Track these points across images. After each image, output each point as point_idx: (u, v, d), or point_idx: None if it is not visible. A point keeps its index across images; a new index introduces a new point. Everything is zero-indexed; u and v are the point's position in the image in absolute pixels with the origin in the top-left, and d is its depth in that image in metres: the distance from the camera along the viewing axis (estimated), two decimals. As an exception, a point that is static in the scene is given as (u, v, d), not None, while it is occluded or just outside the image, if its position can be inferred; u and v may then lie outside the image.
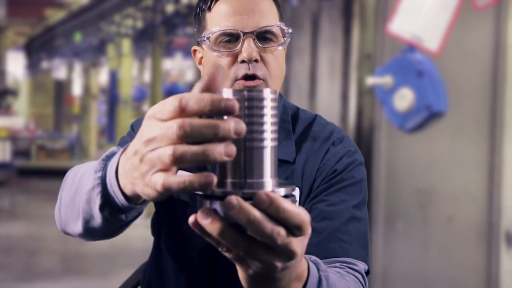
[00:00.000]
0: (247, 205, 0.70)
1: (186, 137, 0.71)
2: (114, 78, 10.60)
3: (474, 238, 3.23)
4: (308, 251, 1.23)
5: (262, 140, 0.75)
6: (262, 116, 0.75)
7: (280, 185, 0.76)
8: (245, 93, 0.75)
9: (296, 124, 1.40)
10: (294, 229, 0.73)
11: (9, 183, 10.04)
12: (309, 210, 1.29)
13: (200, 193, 0.76)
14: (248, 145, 0.75)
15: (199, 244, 1.35)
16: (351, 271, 1.18)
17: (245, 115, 0.74)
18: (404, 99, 3.16)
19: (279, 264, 0.75)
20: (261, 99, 0.75)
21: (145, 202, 0.90)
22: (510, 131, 3.07)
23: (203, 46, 1.33)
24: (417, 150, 3.40)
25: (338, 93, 3.83)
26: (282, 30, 1.31)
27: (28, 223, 7.67)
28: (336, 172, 1.32)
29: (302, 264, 0.84)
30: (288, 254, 0.75)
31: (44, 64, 14.86)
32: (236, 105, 0.72)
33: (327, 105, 3.91)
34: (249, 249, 0.73)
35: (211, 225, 0.72)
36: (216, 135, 0.71)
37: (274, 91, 0.77)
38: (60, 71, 15.20)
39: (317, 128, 1.39)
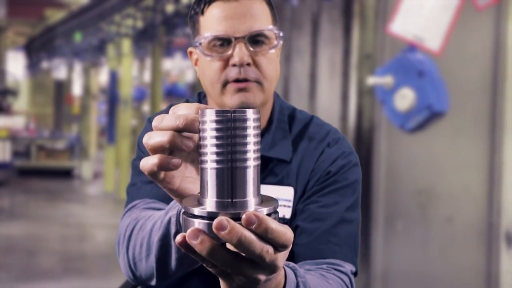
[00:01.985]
0: (238, 226, 0.72)
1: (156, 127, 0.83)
2: (114, 78, 10.60)
3: (474, 238, 3.22)
4: (297, 251, 1.24)
5: (245, 160, 0.76)
6: (245, 136, 0.76)
7: (262, 203, 0.78)
8: (230, 114, 0.76)
9: (292, 124, 1.41)
10: (280, 247, 0.75)
11: (9, 183, 10.04)
12: (302, 210, 1.31)
13: (186, 212, 0.78)
14: (232, 165, 0.76)
15: None
16: (337, 273, 1.20)
17: (229, 136, 0.76)
18: (404, 99, 3.15)
19: (263, 278, 0.78)
20: (245, 120, 0.76)
21: None
22: (510, 131, 3.07)
23: (197, 50, 1.35)
24: (417, 150, 3.40)
25: (338, 93, 3.83)
26: (274, 33, 1.31)
27: (28, 223, 7.67)
28: (330, 173, 1.33)
29: (280, 272, 0.87)
30: (272, 269, 0.77)
31: (44, 64, 14.85)
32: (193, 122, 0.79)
33: (327, 105, 3.91)
34: (236, 266, 0.75)
35: (200, 245, 0.73)
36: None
37: (257, 110, 0.78)
38: (60, 71, 15.19)
39: (313, 129, 1.40)
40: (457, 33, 3.15)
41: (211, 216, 0.74)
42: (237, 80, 1.28)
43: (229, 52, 1.28)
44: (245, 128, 0.76)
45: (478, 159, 3.21)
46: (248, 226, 0.72)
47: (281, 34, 1.32)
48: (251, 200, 0.77)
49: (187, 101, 1.47)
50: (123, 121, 9.93)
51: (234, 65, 1.28)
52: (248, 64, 1.28)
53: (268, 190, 1.32)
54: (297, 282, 0.92)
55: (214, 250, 0.73)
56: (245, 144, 0.76)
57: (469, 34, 3.21)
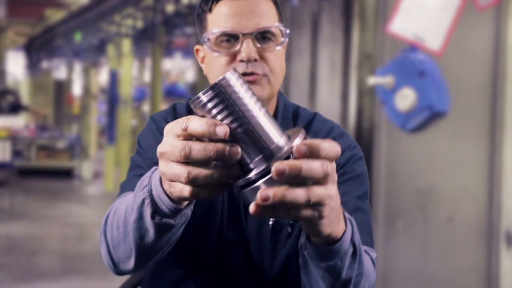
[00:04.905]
0: (292, 161, 0.78)
1: (187, 157, 0.82)
2: (114, 78, 10.60)
3: (474, 238, 3.22)
4: None
5: (251, 110, 0.82)
6: (240, 95, 0.82)
7: (291, 137, 0.84)
8: (218, 85, 0.81)
9: (296, 122, 1.43)
10: (332, 159, 0.83)
11: (9, 183, 10.03)
12: None
13: (242, 185, 0.82)
14: (244, 125, 0.81)
15: (206, 240, 1.36)
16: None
17: (230, 104, 0.81)
18: (405, 99, 3.15)
19: (333, 193, 0.85)
20: (230, 85, 0.81)
21: (190, 203, 0.98)
22: (510, 131, 3.07)
23: (204, 46, 1.36)
24: (417, 150, 3.40)
25: (338, 93, 3.83)
26: (280, 30, 1.34)
27: (28, 223, 7.67)
28: (339, 165, 1.35)
29: (338, 199, 0.91)
30: (335, 178, 0.85)
31: (44, 64, 14.86)
32: (226, 130, 0.81)
33: (327, 105, 3.91)
34: (311, 192, 0.81)
35: (276, 197, 0.79)
36: (211, 158, 0.81)
37: (234, 69, 0.84)
38: (60, 71, 15.19)
39: (317, 125, 1.43)
40: (458, 33, 3.15)
41: (265, 173, 0.79)
42: (244, 74, 1.30)
43: (237, 48, 1.31)
44: (234, 91, 0.81)
45: (478, 159, 3.21)
46: (301, 156, 0.78)
47: (287, 31, 1.35)
48: (280, 141, 0.82)
49: (189, 100, 1.47)
50: (123, 121, 9.93)
51: (241, 61, 1.30)
52: (255, 60, 1.30)
53: None
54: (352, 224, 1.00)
55: (288, 191, 0.79)
56: (243, 98, 0.81)
57: (469, 34, 3.20)
